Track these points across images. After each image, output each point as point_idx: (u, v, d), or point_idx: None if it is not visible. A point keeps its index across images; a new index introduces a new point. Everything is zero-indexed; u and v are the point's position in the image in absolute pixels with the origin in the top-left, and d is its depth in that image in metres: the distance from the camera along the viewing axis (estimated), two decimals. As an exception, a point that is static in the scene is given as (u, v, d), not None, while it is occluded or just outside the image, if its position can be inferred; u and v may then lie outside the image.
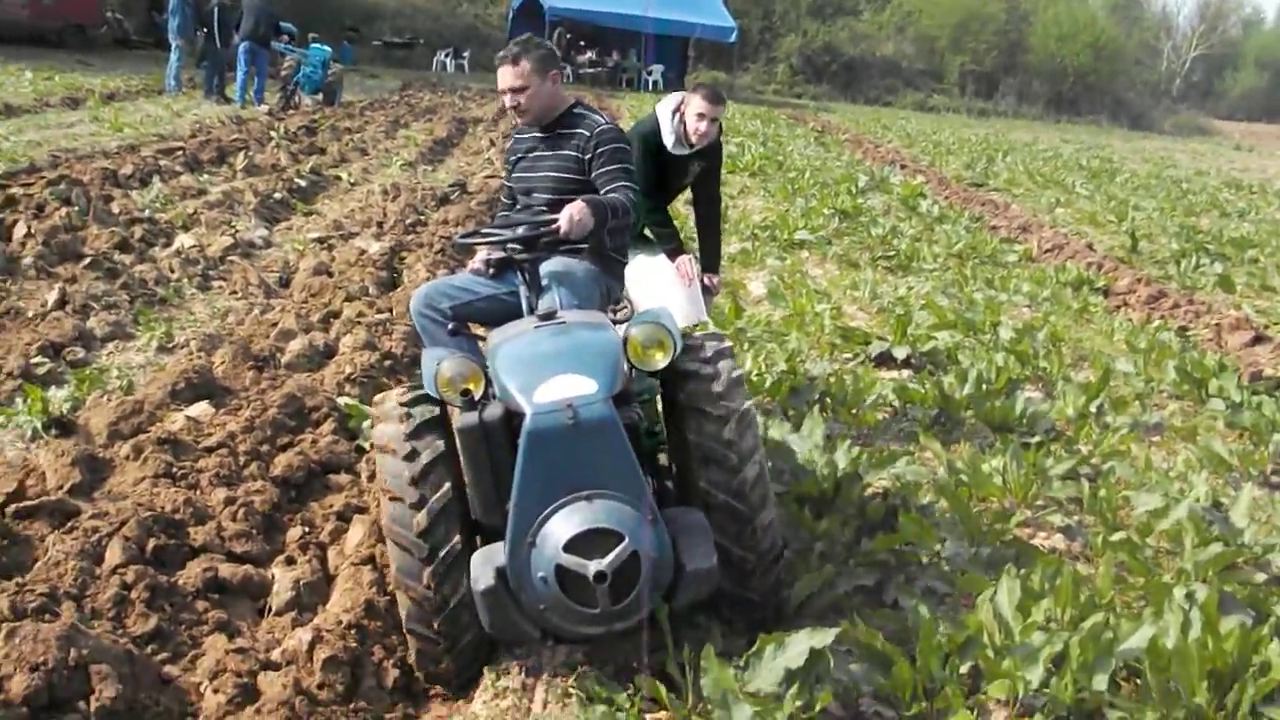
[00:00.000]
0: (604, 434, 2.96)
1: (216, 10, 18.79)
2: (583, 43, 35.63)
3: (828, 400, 5.60)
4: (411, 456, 3.13)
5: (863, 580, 3.82)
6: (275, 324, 6.50)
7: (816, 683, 3.08)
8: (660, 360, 3.27)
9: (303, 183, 11.49)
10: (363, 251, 8.51)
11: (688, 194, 5.78)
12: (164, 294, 7.05)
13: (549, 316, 3.44)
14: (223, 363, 5.72)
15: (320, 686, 3.17)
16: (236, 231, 8.93)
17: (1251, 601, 3.62)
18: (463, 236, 4.17)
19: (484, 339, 3.93)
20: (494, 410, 3.13)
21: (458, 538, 3.11)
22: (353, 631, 3.39)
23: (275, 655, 3.33)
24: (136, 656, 3.16)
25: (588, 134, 4.16)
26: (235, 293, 7.36)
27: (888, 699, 3.18)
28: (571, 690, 3.11)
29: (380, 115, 19.31)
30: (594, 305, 3.89)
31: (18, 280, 6.87)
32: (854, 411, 5.52)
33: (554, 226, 3.82)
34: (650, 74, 34.34)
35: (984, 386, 5.85)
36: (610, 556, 2.82)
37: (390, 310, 6.94)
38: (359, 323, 6.49)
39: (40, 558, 3.66)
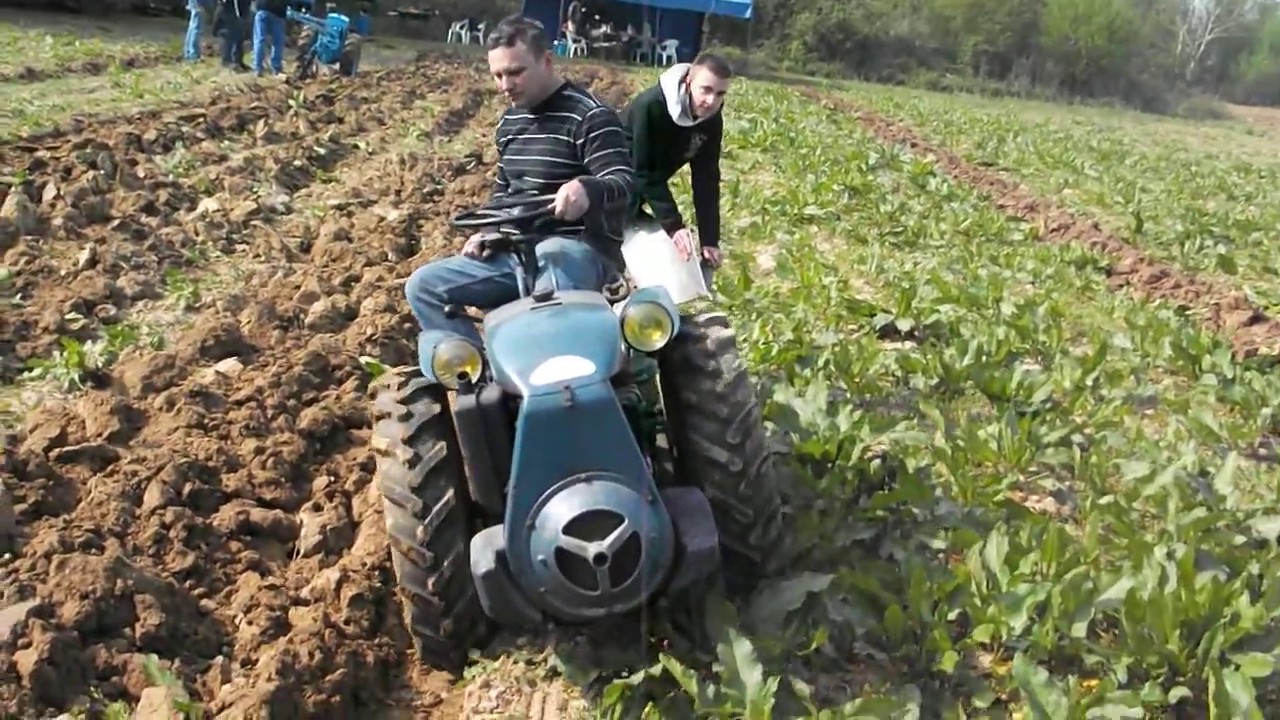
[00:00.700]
0: (602, 415, 2.91)
1: (233, -22, 18.90)
2: (597, 16, 35.57)
3: (832, 368, 5.70)
4: (406, 419, 3.17)
5: (860, 535, 3.97)
6: (298, 286, 6.71)
7: (813, 624, 3.30)
8: (658, 340, 3.26)
9: (322, 151, 11.69)
10: (381, 219, 8.70)
11: (685, 169, 5.84)
12: (190, 256, 7.27)
13: (545, 298, 3.41)
14: (249, 322, 5.94)
15: (347, 622, 3.40)
16: (258, 197, 9.15)
17: (1227, 559, 3.78)
18: (459, 218, 4.10)
19: (481, 321, 3.93)
20: (491, 393, 3.12)
21: (450, 493, 3.13)
22: (376, 573, 3.61)
23: (305, 593, 3.55)
24: (177, 589, 3.40)
25: (579, 119, 4.11)
26: (258, 256, 7.57)
27: (879, 641, 3.35)
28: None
29: (397, 86, 19.43)
30: (590, 286, 3.88)
31: (49, 240, 7.09)
32: (857, 379, 5.64)
33: (549, 207, 3.81)
34: (664, 49, 34.29)
35: (984, 358, 5.98)
36: (610, 538, 2.78)
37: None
38: (379, 286, 6.69)
39: (84, 498, 3.89)
